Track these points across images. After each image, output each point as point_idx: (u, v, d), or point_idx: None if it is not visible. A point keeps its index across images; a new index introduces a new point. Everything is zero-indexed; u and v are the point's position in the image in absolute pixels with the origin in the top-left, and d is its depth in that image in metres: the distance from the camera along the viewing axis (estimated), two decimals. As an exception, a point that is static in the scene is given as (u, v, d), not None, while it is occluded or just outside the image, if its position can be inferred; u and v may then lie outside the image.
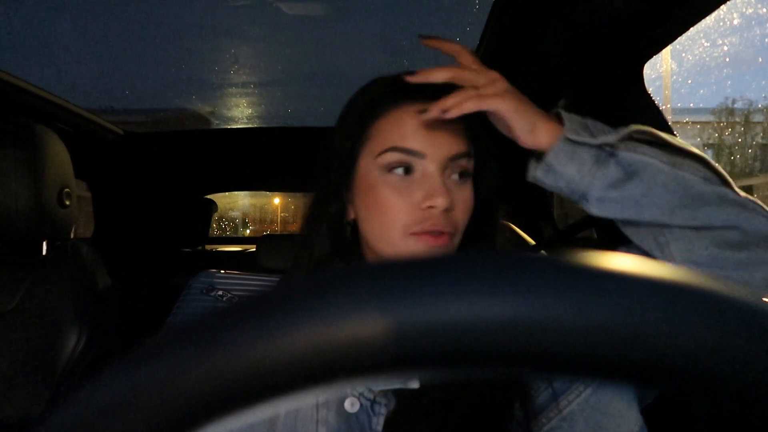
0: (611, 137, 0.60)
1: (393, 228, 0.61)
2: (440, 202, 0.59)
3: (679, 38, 1.01)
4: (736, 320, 0.15)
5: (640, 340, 0.15)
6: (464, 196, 0.63)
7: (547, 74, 1.30)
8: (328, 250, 0.66)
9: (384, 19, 2.13)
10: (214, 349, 0.16)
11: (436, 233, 0.60)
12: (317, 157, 0.70)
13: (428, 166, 0.62)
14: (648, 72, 1.14)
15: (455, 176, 0.63)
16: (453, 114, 0.60)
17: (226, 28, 2.16)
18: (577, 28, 1.08)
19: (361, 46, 2.37)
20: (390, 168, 0.62)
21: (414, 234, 0.61)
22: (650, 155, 0.59)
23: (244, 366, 0.15)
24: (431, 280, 0.16)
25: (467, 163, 0.64)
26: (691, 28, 0.97)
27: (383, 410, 0.58)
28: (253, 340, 0.15)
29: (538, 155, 0.64)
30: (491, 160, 0.68)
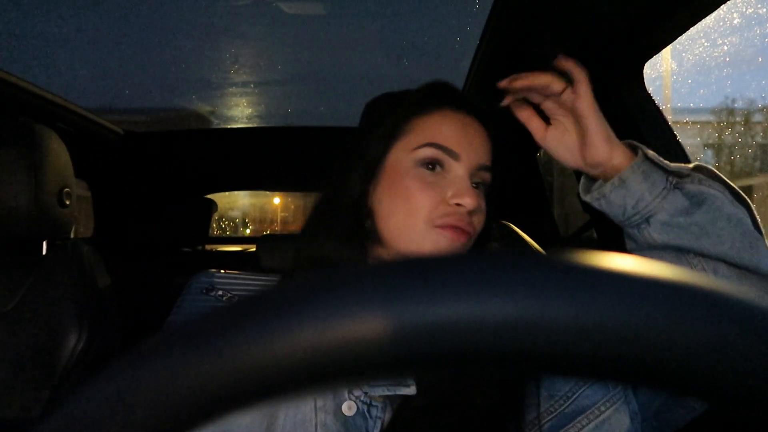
0: (683, 167, 0.62)
1: (417, 218, 0.63)
2: (469, 202, 0.62)
3: (679, 38, 1.01)
4: (736, 318, 0.15)
5: (640, 340, 0.15)
6: (482, 204, 0.66)
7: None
8: (338, 248, 0.66)
9: (384, 19, 2.13)
10: (213, 350, 0.16)
11: (459, 229, 0.62)
12: (317, 157, 0.70)
13: (460, 168, 0.64)
14: (648, 72, 1.14)
15: (475, 185, 0.66)
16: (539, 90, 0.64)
17: (226, 28, 2.16)
18: (577, 27, 1.08)
19: (361, 46, 2.37)
20: (424, 163, 0.64)
21: (438, 227, 0.62)
22: (715, 188, 0.60)
23: (243, 367, 0.15)
24: (431, 280, 0.16)
25: (487, 176, 0.67)
26: (691, 28, 0.97)
27: (380, 414, 0.58)
28: (252, 340, 0.15)
29: (591, 174, 0.66)
30: (502, 178, 0.71)
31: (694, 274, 0.16)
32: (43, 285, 1.10)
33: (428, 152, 0.64)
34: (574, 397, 0.58)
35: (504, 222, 1.17)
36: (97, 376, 0.16)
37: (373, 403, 0.59)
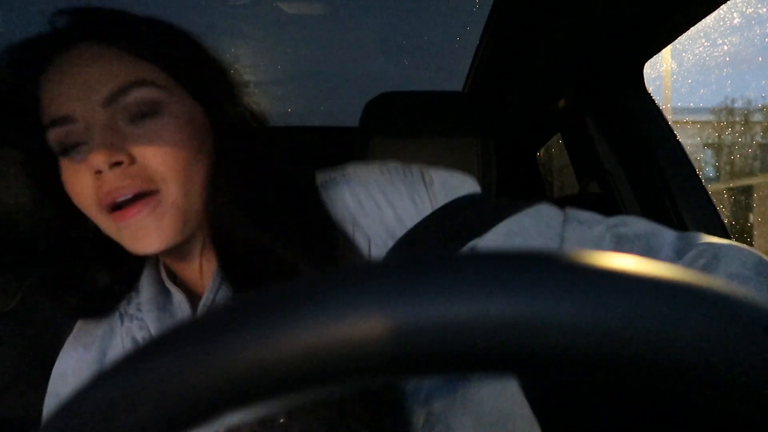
0: None
1: (91, 213, 0.51)
2: (98, 161, 0.47)
3: (679, 38, 1.01)
4: (737, 317, 0.15)
5: (640, 340, 0.15)
6: (156, 134, 0.50)
7: (548, 74, 1.30)
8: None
9: (384, 19, 2.13)
10: (211, 350, 0.16)
11: (124, 203, 0.49)
12: (317, 157, 0.68)
13: (83, 126, 0.49)
14: (648, 72, 1.14)
15: (130, 117, 0.50)
16: None
17: (226, 28, 2.16)
18: (577, 27, 1.08)
19: (361, 46, 2.37)
20: (60, 149, 0.50)
21: (108, 212, 0.50)
22: None
23: (241, 366, 0.15)
24: (430, 280, 0.16)
25: (146, 94, 0.50)
26: (691, 28, 0.97)
27: None
28: (250, 340, 0.15)
29: None
30: (204, 77, 0.56)
31: (696, 275, 0.16)
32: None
33: (52, 137, 0.50)
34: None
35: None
36: (94, 378, 0.16)
37: None
